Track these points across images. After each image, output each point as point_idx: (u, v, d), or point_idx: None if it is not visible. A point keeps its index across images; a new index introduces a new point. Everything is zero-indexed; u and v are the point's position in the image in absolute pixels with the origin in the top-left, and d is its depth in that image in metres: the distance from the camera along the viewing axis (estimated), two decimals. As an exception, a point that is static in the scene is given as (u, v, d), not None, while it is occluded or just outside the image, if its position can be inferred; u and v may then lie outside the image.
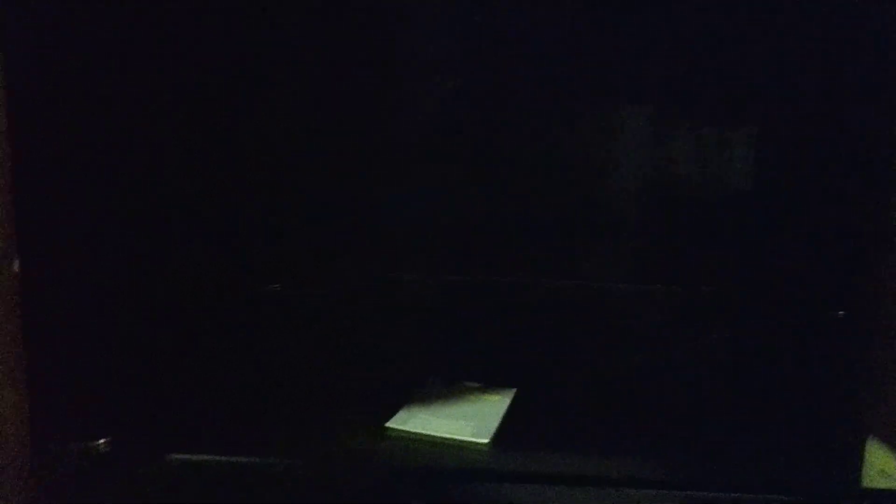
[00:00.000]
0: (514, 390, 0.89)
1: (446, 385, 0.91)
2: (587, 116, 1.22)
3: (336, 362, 1.00)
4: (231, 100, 1.15)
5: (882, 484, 0.75)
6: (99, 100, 0.81)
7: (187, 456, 0.74)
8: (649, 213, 1.25)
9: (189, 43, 1.02)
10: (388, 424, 0.80)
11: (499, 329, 1.12)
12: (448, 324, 1.15)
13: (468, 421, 0.80)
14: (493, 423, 0.80)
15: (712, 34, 1.19)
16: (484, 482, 0.73)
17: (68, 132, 0.76)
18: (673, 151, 1.23)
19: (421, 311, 1.20)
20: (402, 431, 0.79)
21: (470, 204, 1.22)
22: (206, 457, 0.75)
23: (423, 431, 0.78)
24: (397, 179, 1.25)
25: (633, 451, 0.78)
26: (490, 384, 0.91)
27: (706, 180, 1.23)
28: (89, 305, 0.79)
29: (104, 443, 0.76)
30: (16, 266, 0.65)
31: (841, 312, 1.15)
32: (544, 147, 1.23)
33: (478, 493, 0.73)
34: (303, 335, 1.09)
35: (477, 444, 0.76)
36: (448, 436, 0.77)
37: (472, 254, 1.25)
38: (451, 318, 1.17)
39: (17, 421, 0.68)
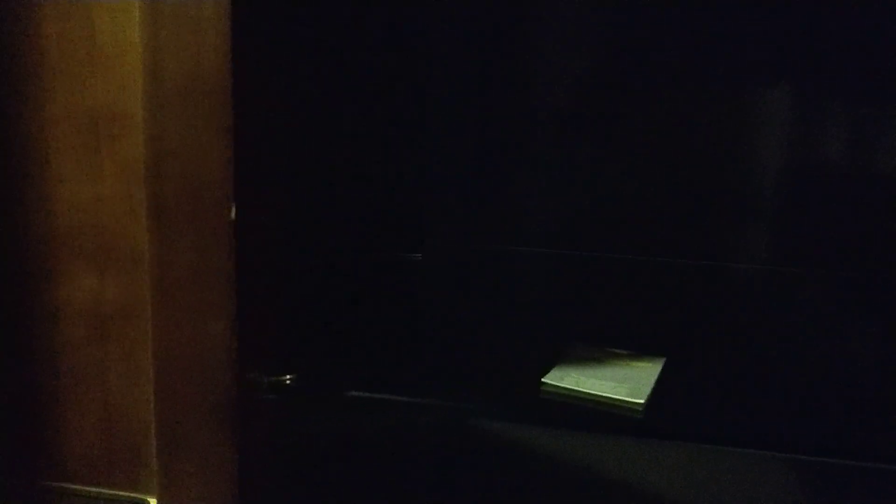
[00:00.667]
0: (664, 359, 0.92)
1: (594, 349, 0.94)
2: (733, 93, 1.20)
3: (491, 322, 1.06)
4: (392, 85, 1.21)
5: None
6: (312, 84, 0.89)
7: (365, 394, 0.82)
8: (795, 195, 1.23)
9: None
10: (545, 380, 0.84)
11: (646, 302, 1.14)
12: (593, 295, 1.18)
13: (621, 383, 0.83)
14: (647, 386, 0.83)
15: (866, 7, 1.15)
16: (639, 440, 0.77)
17: (283, 116, 0.84)
18: (820, 131, 1.20)
19: (564, 282, 1.23)
20: (558, 387, 0.83)
21: (625, 183, 1.24)
22: (379, 395, 0.82)
23: (578, 389, 0.82)
24: (547, 158, 1.28)
25: (783, 416, 0.79)
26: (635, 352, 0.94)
27: (853, 162, 1.19)
28: (288, 256, 0.88)
29: (291, 378, 0.84)
30: (233, 213, 0.74)
31: None
32: (701, 127, 1.23)
33: (632, 450, 0.77)
34: (460, 296, 1.15)
35: (633, 403, 0.80)
36: (604, 394, 0.81)
37: (634, 233, 1.26)
38: (596, 289, 1.19)
39: (224, 350, 0.77)
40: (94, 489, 1.00)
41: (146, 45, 0.73)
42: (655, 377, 0.87)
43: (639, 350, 0.95)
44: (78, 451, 1.00)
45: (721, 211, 1.24)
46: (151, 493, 1.00)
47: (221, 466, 0.78)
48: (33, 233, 0.96)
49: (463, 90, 1.24)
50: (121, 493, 0.99)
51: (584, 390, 0.82)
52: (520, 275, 1.18)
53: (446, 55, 1.25)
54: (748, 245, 1.28)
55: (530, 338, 1.02)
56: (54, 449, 1.01)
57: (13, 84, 1.00)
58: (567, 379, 0.84)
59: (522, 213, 1.22)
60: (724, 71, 1.22)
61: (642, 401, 0.80)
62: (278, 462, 0.83)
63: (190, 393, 0.77)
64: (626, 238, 1.26)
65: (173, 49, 0.72)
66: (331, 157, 1.02)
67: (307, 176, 0.93)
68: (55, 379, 0.99)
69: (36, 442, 1.01)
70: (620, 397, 0.80)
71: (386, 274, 1.18)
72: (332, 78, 0.98)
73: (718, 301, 1.19)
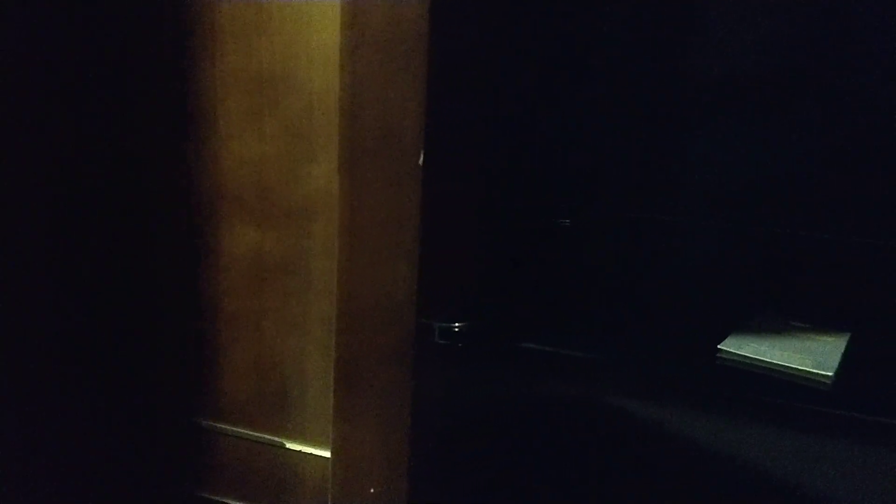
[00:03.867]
0: (849, 334, 0.87)
1: (773, 320, 0.90)
2: None
3: (662, 288, 1.03)
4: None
5: None
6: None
7: (536, 346, 0.82)
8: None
9: None
10: (722, 346, 0.81)
11: (829, 277, 1.08)
12: (767, 269, 1.12)
13: (806, 355, 0.79)
14: (835, 359, 0.79)
15: None
16: (828, 412, 0.73)
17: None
18: None
19: (737, 255, 1.18)
20: (736, 355, 0.80)
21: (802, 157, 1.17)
22: (552, 349, 0.82)
23: (759, 357, 0.79)
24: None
25: None
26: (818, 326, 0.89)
27: None
28: (471, 206, 0.89)
29: (461, 325, 0.86)
30: (421, 159, 0.75)
31: None
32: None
33: (821, 422, 0.73)
34: (627, 263, 1.13)
35: (821, 375, 0.75)
36: (788, 364, 0.77)
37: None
38: (771, 263, 1.14)
39: (406, 293, 0.79)
40: (240, 430, 1.06)
41: (345, -4, 0.76)
42: (842, 351, 0.82)
43: (819, 325, 0.90)
44: (230, 393, 1.06)
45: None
46: (293, 439, 1.05)
47: (396, 409, 0.80)
48: (201, 187, 1.02)
49: (628, 54, 1.21)
50: (265, 435, 1.05)
51: (766, 359, 0.78)
52: (694, 246, 1.15)
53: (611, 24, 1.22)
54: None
55: (702, 308, 0.99)
56: (208, 390, 1.08)
57: (189, 48, 1.06)
58: (746, 347, 0.81)
59: (707, 184, 1.18)
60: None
61: (831, 373, 0.76)
62: (448, 408, 0.85)
63: (370, 333, 0.80)
64: (803, 214, 1.19)
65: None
66: (508, 121, 1.02)
67: (486, 136, 0.94)
68: (214, 325, 1.06)
69: (192, 382, 1.08)
70: (808, 368, 0.76)
71: (552, 238, 1.17)
72: (517, 44, 0.98)
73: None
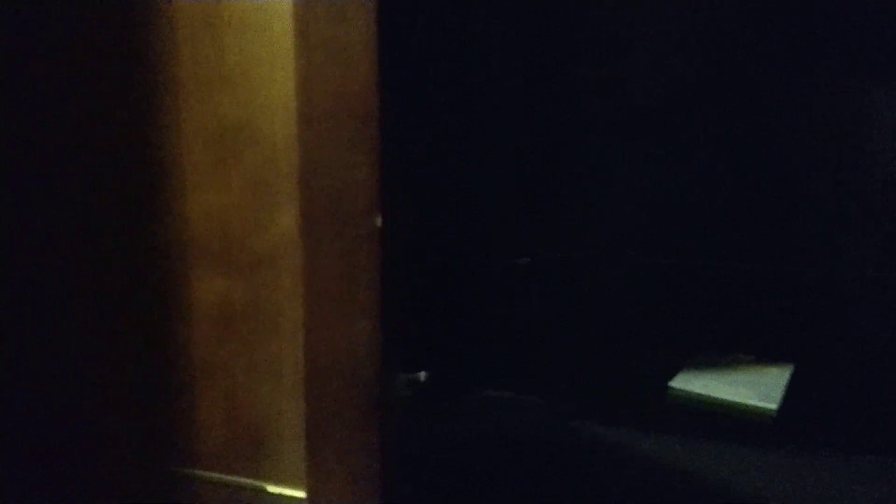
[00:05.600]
0: (792, 365, 0.91)
1: (721, 355, 0.95)
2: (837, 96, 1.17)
3: (612, 327, 1.08)
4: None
5: None
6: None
7: (493, 392, 0.86)
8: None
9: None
10: (671, 384, 0.86)
11: (770, 309, 1.13)
12: (717, 301, 1.17)
13: (751, 388, 0.84)
14: (778, 391, 0.83)
15: None
16: (771, 446, 0.77)
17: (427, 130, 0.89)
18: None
19: (677, 290, 1.23)
20: (685, 392, 0.84)
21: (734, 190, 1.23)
22: (509, 394, 0.86)
23: (706, 393, 0.83)
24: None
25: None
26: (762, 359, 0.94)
27: None
28: (427, 263, 0.93)
29: (425, 375, 0.89)
30: (378, 221, 0.79)
31: None
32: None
33: (765, 456, 0.77)
34: (579, 302, 1.18)
35: (765, 409, 0.80)
36: (734, 399, 0.82)
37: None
38: (721, 296, 1.19)
39: (369, 348, 0.82)
40: (216, 475, 1.08)
41: (299, 70, 0.80)
42: (785, 382, 0.86)
43: (763, 357, 0.95)
44: (205, 439, 1.08)
45: (835, 217, 1.20)
46: (270, 481, 1.07)
47: (366, 458, 0.83)
48: (168, 237, 1.04)
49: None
50: (242, 479, 1.07)
51: (712, 395, 0.83)
52: (633, 282, 1.19)
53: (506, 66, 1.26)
54: (863, 251, 1.24)
55: (650, 344, 1.03)
56: (183, 437, 1.09)
57: (152, 103, 1.09)
58: (694, 383, 0.85)
59: (631, 222, 1.23)
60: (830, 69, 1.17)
61: (774, 406, 0.80)
62: (415, 456, 0.88)
63: (337, 388, 0.83)
64: (733, 245, 1.24)
65: (323, 74, 0.78)
66: (455, 174, 1.06)
67: (435, 191, 0.98)
68: (186, 372, 1.07)
69: (167, 430, 1.10)
70: (752, 402, 0.81)
71: (502, 279, 1.21)
72: (463, 104, 1.03)
73: (837, 308, 1.16)
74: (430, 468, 0.90)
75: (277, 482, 1.05)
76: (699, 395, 0.83)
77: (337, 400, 0.84)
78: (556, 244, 1.22)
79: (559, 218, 1.22)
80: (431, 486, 0.89)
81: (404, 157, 0.85)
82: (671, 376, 0.88)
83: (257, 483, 1.06)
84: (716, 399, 0.82)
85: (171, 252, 1.04)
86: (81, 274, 1.09)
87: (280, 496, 1.04)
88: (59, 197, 1.06)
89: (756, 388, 0.84)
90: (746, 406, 0.81)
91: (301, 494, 1.03)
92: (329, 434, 0.85)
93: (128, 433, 1.11)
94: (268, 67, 0.97)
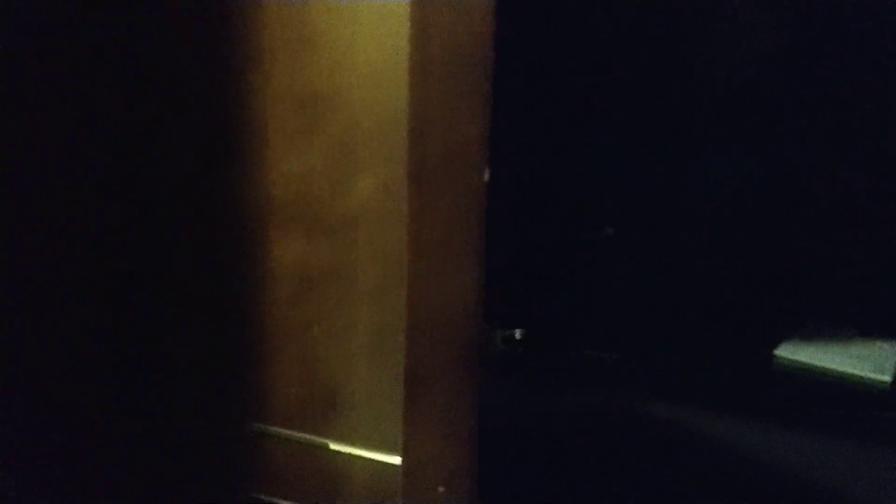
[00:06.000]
0: (904, 340, 0.88)
1: (826, 327, 0.92)
2: None
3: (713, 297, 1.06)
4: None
5: None
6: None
7: (593, 353, 0.85)
8: None
9: None
10: (776, 352, 0.83)
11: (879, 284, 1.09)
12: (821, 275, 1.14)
13: (862, 360, 0.81)
14: (891, 364, 0.80)
15: None
16: (886, 417, 0.74)
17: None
18: None
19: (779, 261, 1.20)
20: (791, 360, 0.82)
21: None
22: (606, 355, 0.85)
23: (814, 363, 0.81)
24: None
25: None
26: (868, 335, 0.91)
27: None
28: (527, 216, 0.93)
29: (523, 332, 0.89)
30: (486, 175, 0.79)
31: None
32: None
33: (878, 427, 0.75)
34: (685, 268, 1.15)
35: (879, 380, 0.77)
36: (844, 370, 0.79)
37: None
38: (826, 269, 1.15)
39: (470, 302, 0.83)
40: (290, 433, 1.10)
41: (413, 18, 0.80)
42: (897, 356, 0.83)
43: (871, 331, 0.91)
44: (280, 397, 1.10)
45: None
46: (341, 441, 1.09)
47: (463, 412, 0.84)
48: (252, 201, 1.06)
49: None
50: (313, 437, 1.09)
51: (822, 364, 0.81)
52: (742, 253, 1.16)
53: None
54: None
55: (753, 314, 1.01)
56: (259, 395, 1.12)
57: (239, 72, 1.11)
58: (801, 353, 0.83)
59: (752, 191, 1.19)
60: None
61: (889, 378, 0.78)
62: (509, 410, 0.89)
63: (436, 341, 0.84)
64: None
65: (439, 23, 0.78)
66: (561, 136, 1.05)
67: (536, 150, 0.97)
68: (264, 332, 1.10)
69: (244, 388, 1.13)
70: (865, 373, 0.78)
71: (594, 246, 1.20)
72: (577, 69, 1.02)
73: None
74: (523, 424, 0.90)
75: (349, 443, 1.07)
76: (807, 363, 0.81)
77: (435, 353, 0.85)
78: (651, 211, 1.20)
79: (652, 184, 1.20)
80: (523, 442, 0.90)
81: (510, 114, 0.84)
82: (775, 345, 0.85)
83: (326, 442, 1.08)
84: (824, 368, 0.80)
85: (253, 214, 1.07)
86: (166, 235, 1.13)
87: (349, 455, 1.06)
88: (149, 158, 1.10)
89: (867, 360, 0.81)
90: (859, 377, 0.78)
91: (372, 456, 1.05)
92: (425, 387, 0.86)
93: (206, 391, 1.15)
94: (351, 30, 0.97)
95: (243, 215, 1.06)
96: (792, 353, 0.83)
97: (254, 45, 1.02)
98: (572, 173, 1.10)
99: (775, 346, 0.85)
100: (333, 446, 1.05)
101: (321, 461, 1.08)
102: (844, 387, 0.79)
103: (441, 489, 0.84)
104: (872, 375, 0.78)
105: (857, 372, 0.79)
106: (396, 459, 0.96)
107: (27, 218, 0.97)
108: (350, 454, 1.05)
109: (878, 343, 0.87)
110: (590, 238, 1.08)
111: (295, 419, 1.09)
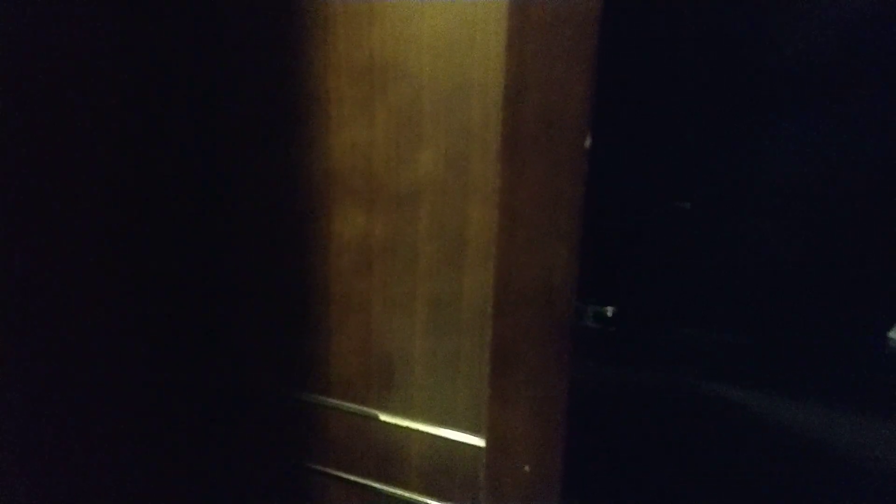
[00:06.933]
0: None
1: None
2: None
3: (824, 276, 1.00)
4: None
5: None
6: None
7: (691, 330, 0.81)
8: None
9: None
10: (892, 334, 0.78)
11: None
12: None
13: None
14: None
15: None
16: None
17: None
18: None
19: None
20: (909, 344, 0.77)
21: None
22: (704, 332, 0.81)
23: (935, 348, 0.76)
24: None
25: None
26: None
27: None
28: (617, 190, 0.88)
29: (614, 309, 0.86)
30: (587, 142, 0.74)
31: None
32: None
33: None
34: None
35: None
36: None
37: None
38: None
39: (564, 275, 0.79)
40: (347, 404, 1.09)
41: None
42: None
43: None
44: (338, 369, 1.09)
45: None
46: (397, 414, 1.07)
47: (551, 389, 0.81)
48: (313, 172, 1.04)
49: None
50: (371, 410, 1.07)
51: (945, 350, 0.75)
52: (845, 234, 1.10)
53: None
54: None
55: (866, 293, 0.95)
56: (318, 367, 1.11)
57: (302, 36, 1.07)
58: (920, 336, 0.77)
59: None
60: None
61: None
62: (598, 388, 0.86)
63: (526, 316, 0.81)
64: None
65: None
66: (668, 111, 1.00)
67: (642, 119, 0.92)
68: (325, 305, 1.08)
69: (303, 360, 1.12)
70: None
71: (672, 221, 1.15)
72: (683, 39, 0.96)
73: None
74: (612, 403, 0.87)
75: (404, 416, 1.06)
76: (927, 348, 0.75)
77: (525, 328, 0.82)
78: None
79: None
80: (611, 421, 0.87)
81: (619, 76, 0.79)
82: (890, 326, 0.80)
83: (382, 415, 1.07)
84: (947, 354, 0.74)
85: (316, 186, 1.04)
86: (227, 206, 1.11)
87: (405, 428, 1.05)
88: (210, 131, 1.08)
89: None
90: None
91: (427, 429, 1.03)
92: (514, 363, 0.83)
93: (266, 362, 1.14)
94: (416, 3, 0.93)
95: (304, 188, 1.04)
96: (909, 336, 0.77)
97: (316, 15, 0.99)
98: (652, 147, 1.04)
99: (890, 327, 0.79)
100: (394, 420, 1.04)
101: (379, 434, 1.07)
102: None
103: (527, 468, 0.82)
104: None
105: None
106: (450, 433, 0.95)
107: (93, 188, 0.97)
108: (408, 428, 1.04)
109: None
110: (687, 213, 1.03)
111: (354, 392, 1.08)
